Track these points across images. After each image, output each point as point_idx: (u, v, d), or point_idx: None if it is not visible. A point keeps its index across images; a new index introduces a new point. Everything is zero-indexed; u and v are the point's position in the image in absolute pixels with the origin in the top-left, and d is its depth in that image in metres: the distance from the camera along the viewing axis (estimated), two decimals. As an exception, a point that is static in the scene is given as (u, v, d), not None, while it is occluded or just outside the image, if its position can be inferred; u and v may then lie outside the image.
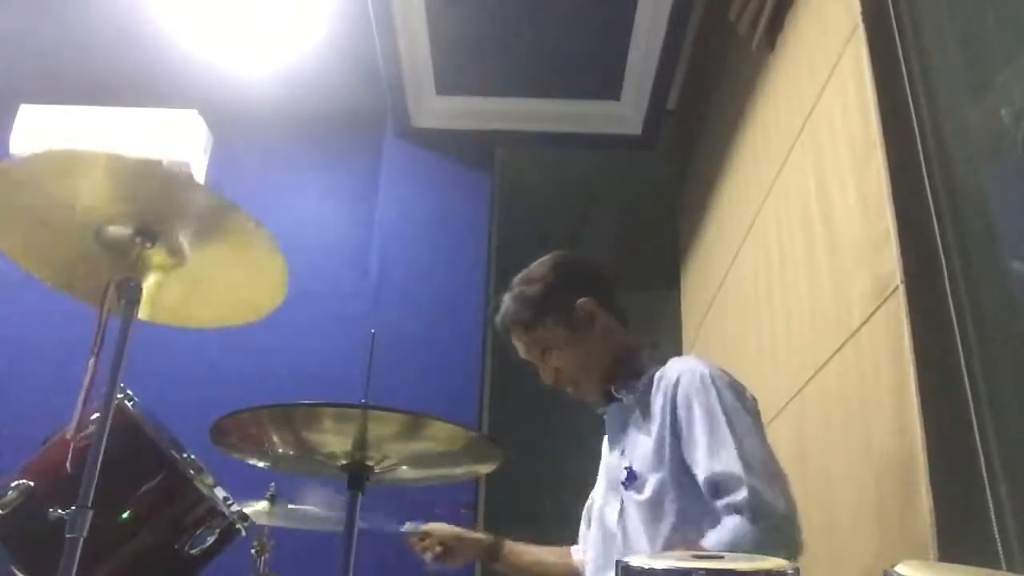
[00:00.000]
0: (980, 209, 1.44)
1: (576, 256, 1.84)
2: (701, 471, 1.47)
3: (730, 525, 1.41)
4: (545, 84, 3.39)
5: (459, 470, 1.72)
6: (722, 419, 1.49)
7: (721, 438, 1.47)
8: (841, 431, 1.75)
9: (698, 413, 1.51)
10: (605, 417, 1.76)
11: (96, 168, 1.37)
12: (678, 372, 1.58)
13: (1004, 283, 1.37)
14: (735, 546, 1.36)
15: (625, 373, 1.68)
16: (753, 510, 1.40)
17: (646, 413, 1.62)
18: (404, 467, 1.55)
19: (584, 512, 1.88)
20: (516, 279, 1.78)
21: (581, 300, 1.71)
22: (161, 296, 1.53)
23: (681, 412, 1.53)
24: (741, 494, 1.41)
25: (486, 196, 3.62)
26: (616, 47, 3.16)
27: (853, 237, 1.70)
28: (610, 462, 1.71)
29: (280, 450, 1.51)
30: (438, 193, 3.61)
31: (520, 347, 1.76)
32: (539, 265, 1.78)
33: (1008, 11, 1.40)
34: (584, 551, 1.82)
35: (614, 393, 1.69)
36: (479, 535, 1.93)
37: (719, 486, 1.44)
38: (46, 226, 1.44)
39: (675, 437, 1.54)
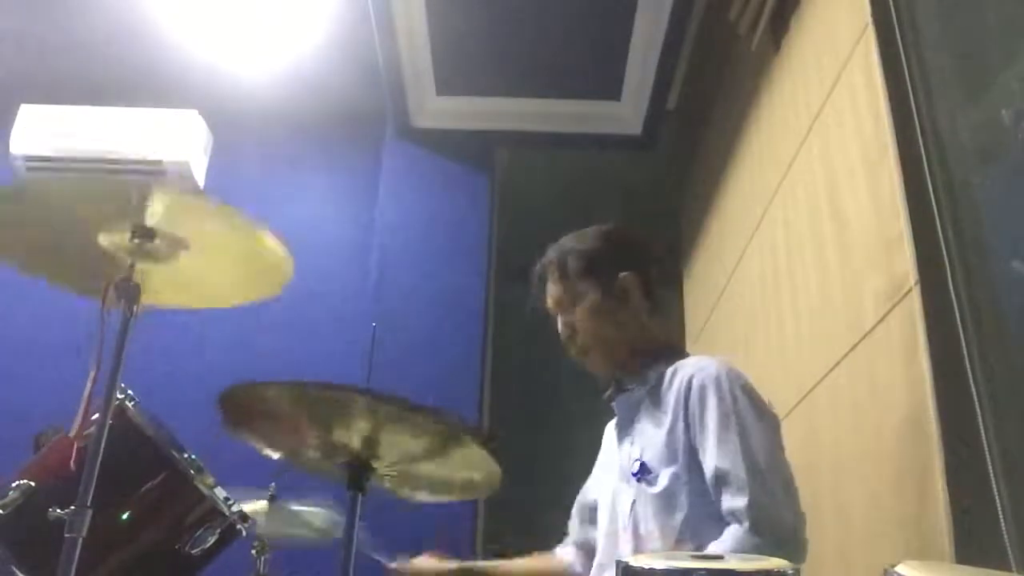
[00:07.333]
0: (982, 209, 1.44)
1: (635, 232, 1.82)
2: (709, 461, 1.47)
3: (732, 536, 1.40)
4: (545, 84, 3.39)
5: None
6: (732, 418, 1.49)
7: (730, 435, 1.47)
8: (852, 432, 1.74)
9: (711, 406, 1.51)
10: (613, 406, 1.75)
11: (95, 185, 1.38)
12: (693, 369, 1.58)
13: (1005, 283, 1.37)
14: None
15: (639, 363, 1.68)
16: (755, 521, 1.39)
17: (658, 406, 1.61)
18: (404, 467, 1.54)
19: (576, 506, 1.88)
20: (569, 236, 1.78)
21: (624, 274, 1.71)
22: (161, 283, 1.52)
23: (694, 407, 1.53)
24: (742, 500, 1.40)
25: (486, 196, 3.62)
26: (616, 47, 3.15)
27: (865, 237, 1.69)
28: (620, 453, 1.70)
29: (283, 436, 1.50)
30: (438, 193, 3.60)
31: (551, 292, 1.74)
32: (598, 228, 1.78)
33: (1008, 12, 1.40)
34: (571, 541, 1.86)
35: (624, 383, 1.69)
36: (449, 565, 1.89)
37: (722, 480, 1.45)
38: (46, 228, 1.45)
39: (688, 431, 1.54)
